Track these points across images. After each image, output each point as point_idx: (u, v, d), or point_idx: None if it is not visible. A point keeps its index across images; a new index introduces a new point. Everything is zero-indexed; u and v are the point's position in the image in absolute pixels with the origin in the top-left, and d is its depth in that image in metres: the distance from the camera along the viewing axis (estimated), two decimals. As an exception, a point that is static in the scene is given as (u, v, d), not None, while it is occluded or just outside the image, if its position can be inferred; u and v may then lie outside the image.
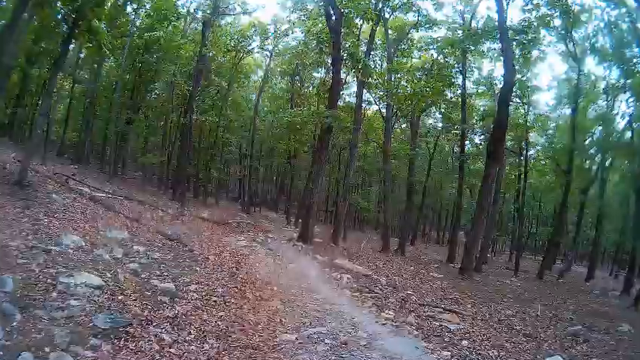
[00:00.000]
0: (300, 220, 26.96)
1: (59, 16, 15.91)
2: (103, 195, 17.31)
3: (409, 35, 27.25)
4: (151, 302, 7.24)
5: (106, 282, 7.40)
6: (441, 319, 9.97)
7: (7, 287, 6.11)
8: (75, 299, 6.45)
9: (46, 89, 15.46)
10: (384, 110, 28.83)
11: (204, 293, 8.53)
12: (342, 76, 23.78)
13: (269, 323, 7.76)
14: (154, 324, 6.44)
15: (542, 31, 22.11)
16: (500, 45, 20.42)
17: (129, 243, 11.10)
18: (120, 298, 6.96)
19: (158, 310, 6.98)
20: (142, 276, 8.65)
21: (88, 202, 14.57)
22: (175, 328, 6.51)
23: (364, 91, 24.63)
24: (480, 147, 31.78)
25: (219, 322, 7.21)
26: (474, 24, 25.11)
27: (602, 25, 24.05)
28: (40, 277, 6.89)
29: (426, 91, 23.43)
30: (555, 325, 11.38)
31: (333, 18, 19.48)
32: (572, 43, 25.45)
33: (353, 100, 29.19)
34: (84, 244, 9.44)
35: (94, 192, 16.80)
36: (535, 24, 20.48)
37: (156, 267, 9.72)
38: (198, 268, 10.50)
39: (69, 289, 6.70)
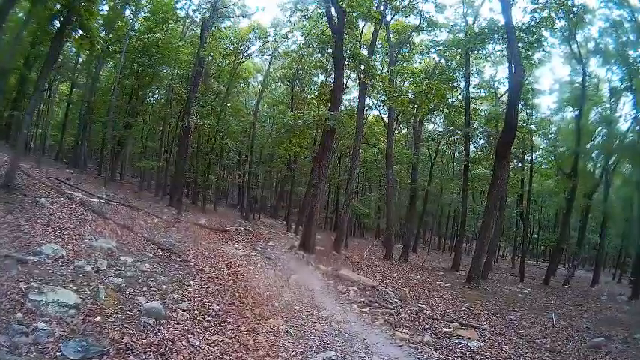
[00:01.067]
0: (300, 227, 26.27)
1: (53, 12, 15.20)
2: (96, 200, 16.47)
3: (410, 39, 26.90)
4: (133, 325, 6.25)
5: (83, 299, 6.48)
6: (459, 335, 9.27)
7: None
8: (44, 321, 5.56)
9: (35, 88, 14.69)
10: (385, 115, 28.26)
11: (196, 312, 7.58)
12: (344, 80, 23.02)
13: (270, 348, 6.80)
14: (135, 353, 5.44)
15: (546, 33, 21.72)
16: (505, 45, 20.71)
17: (116, 253, 10.14)
18: (97, 319, 6.02)
19: (141, 335, 6.00)
20: (127, 292, 7.70)
21: (77, 207, 13.61)
22: (160, 358, 5.54)
23: (365, 96, 23.88)
24: (482, 152, 31.58)
25: (213, 349, 6.23)
26: (476, 27, 24.78)
27: (605, 25, 23.55)
28: (8, 292, 6.00)
29: (430, 93, 22.72)
30: (573, 335, 10.90)
31: (335, 18, 18.85)
32: (575, 45, 24.90)
33: (354, 104, 28.75)
34: (65, 253, 8.50)
35: (86, 197, 16.00)
36: (540, 24, 20.35)
37: (143, 281, 8.77)
38: (191, 282, 9.58)
39: (39, 309, 5.81)
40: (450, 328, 9.79)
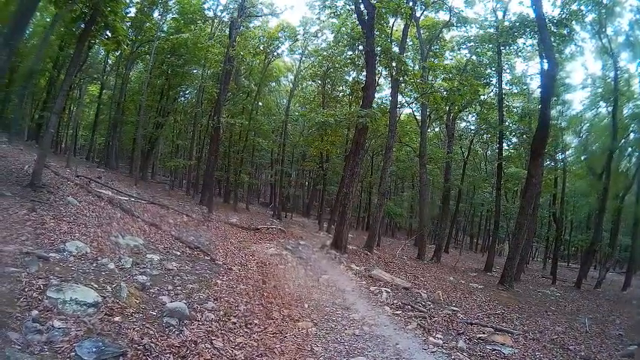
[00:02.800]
0: (332, 226, 25.96)
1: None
2: (125, 198, 16.49)
3: (440, 35, 26.99)
4: (154, 325, 5.97)
5: (103, 298, 6.20)
6: (493, 341, 8.83)
7: (-18, 301, 5.00)
8: (60, 319, 5.28)
9: (61, 88, 14.72)
10: (417, 113, 27.83)
11: (222, 313, 7.28)
12: (375, 77, 22.64)
13: (298, 353, 6.44)
14: (154, 355, 5.14)
15: (576, 27, 21.49)
16: (536, 40, 20.80)
17: (143, 250, 9.98)
18: (117, 319, 5.73)
19: (162, 336, 5.71)
20: (151, 291, 7.46)
21: (105, 205, 13.55)
22: (180, 361, 5.25)
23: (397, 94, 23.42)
24: (516, 150, 30.96)
25: (237, 352, 5.90)
26: (506, 21, 24.26)
27: (636, 17, 22.76)
28: (26, 289, 5.73)
29: (464, 89, 22.18)
30: (606, 342, 10.54)
31: (365, 14, 18.82)
32: (606, 39, 24.09)
33: (386, 102, 28.39)
34: (89, 250, 8.29)
35: (115, 195, 16.00)
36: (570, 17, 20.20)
37: (169, 280, 8.53)
38: (218, 281, 9.33)
39: (56, 307, 5.54)
40: (483, 333, 9.38)
